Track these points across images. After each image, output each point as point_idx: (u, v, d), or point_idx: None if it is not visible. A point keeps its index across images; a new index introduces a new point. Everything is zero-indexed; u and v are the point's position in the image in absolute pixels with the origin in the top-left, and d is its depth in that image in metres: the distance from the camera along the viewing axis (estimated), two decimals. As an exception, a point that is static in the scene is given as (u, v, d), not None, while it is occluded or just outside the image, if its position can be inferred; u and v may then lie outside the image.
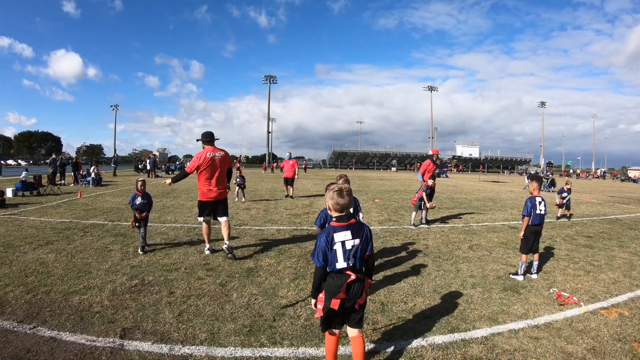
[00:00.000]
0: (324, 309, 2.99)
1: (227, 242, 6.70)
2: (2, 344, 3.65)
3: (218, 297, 4.92)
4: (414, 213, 10.31)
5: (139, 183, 7.17)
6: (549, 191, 25.24)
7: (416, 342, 3.84)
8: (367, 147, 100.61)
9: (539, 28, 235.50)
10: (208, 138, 6.83)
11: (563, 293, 5.21)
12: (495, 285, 5.62)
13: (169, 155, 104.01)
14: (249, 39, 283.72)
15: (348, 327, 3.13)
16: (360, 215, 5.41)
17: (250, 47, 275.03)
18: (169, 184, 7.10)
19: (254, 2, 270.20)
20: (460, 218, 12.07)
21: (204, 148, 6.83)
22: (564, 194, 12.92)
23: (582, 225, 11.32)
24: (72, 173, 23.62)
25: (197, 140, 6.93)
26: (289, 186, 16.83)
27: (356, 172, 63.37)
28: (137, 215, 7.05)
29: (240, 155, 79.07)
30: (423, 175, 10.91)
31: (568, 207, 12.91)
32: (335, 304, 2.94)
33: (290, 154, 17.93)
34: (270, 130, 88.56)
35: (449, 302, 4.92)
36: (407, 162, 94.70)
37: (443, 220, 11.49)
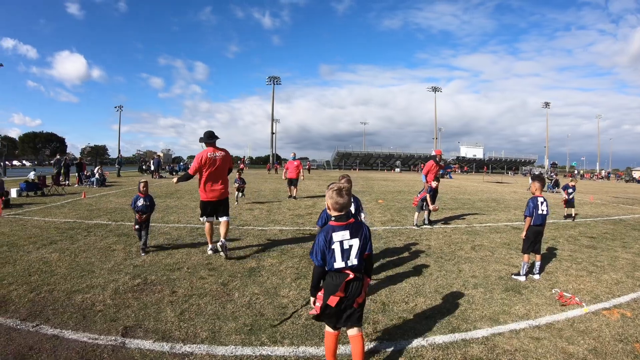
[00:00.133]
0: (322, 307, 3.00)
1: (223, 240, 6.72)
2: (5, 342, 3.68)
3: (220, 297, 4.94)
4: (416, 214, 10.31)
5: (141, 184, 7.17)
6: (553, 192, 25.18)
7: (416, 342, 3.84)
8: (371, 148, 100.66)
9: (543, 28, 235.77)
10: (209, 139, 6.85)
11: (565, 294, 5.20)
12: (497, 285, 5.61)
13: (173, 156, 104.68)
14: (253, 40, 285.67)
15: (347, 326, 3.14)
16: (362, 215, 5.42)
17: (254, 48, 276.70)
18: (175, 182, 7.15)
19: (258, 3, 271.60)
20: (464, 219, 12.06)
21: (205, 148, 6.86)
22: (569, 190, 12.97)
23: (586, 225, 11.28)
24: (77, 174, 23.71)
25: (200, 141, 6.95)
26: (292, 187, 16.81)
27: (360, 172, 63.33)
28: (137, 217, 7.04)
29: (244, 156, 79.20)
30: (426, 176, 10.88)
31: (572, 206, 12.92)
32: (332, 300, 2.95)
33: (295, 154, 17.94)
34: (274, 131, 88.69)
35: (450, 302, 4.91)
36: (411, 162, 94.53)
37: (446, 220, 11.48)
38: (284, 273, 6.00)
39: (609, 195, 25.36)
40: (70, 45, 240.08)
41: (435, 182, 10.54)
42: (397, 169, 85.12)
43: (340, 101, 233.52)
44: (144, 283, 5.37)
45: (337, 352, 3.37)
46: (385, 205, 15.16)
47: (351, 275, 2.97)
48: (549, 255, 7.40)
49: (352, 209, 5.04)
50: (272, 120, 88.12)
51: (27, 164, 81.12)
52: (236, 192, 14.79)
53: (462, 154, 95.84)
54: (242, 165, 51.83)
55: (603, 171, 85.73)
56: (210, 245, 6.94)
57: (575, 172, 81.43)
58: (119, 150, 74.56)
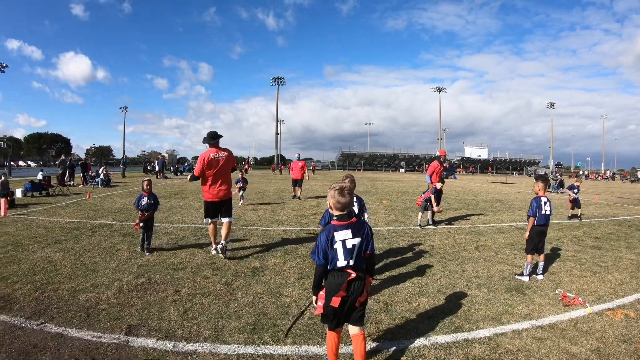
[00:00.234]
0: (325, 306, 3.02)
1: (223, 242, 6.73)
2: (10, 339, 3.71)
3: (223, 296, 4.96)
4: (420, 214, 10.30)
5: (145, 183, 7.22)
6: (558, 192, 25.09)
7: (419, 342, 3.85)
8: (376, 149, 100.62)
9: (548, 28, 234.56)
10: (211, 140, 6.85)
11: (568, 294, 5.18)
12: (500, 285, 5.60)
13: (177, 157, 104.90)
14: (257, 40, 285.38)
15: (349, 325, 3.15)
16: (366, 215, 5.43)
17: (258, 49, 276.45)
18: (189, 180, 7.17)
19: (262, 3, 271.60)
20: (468, 219, 12.04)
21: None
22: (575, 190, 13.06)
23: (590, 226, 11.24)
24: (81, 174, 23.84)
25: (203, 141, 6.93)
26: (297, 187, 16.81)
27: (364, 173, 63.32)
28: (140, 215, 7.05)
29: (249, 157, 79.20)
30: (431, 176, 10.87)
31: (578, 206, 12.91)
32: (335, 302, 2.96)
33: (299, 155, 17.95)
34: (278, 132, 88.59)
35: (453, 302, 4.91)
36: (415, 163, 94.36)
37: (450, 221, 11.46)
38: (288, 273, 6.01)
39: (613, 195, 25.23)
40: (75, 46, 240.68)
41: (439, 183, 10.53)
42: (402, 170, 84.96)
43: (344, 102, 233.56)
44: (148, 282, 5.40)
45: (339, 351, 3.37)
46: (390, 205, 15.15)
47: (353, 275, 2.98)
48: (553, 256, 7.38)
49: (356, 209, 5.04)
50: (277, 121, 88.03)
51: (32, 164, 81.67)
52: (240, 192, 14.69)
53: (467, 155, 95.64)
54: (246, 166, 51.96)
55: (608, 172, 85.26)
56: (213, 245, 6.96)
57: (580, 172, 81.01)
58: (124, 151, 74.55)
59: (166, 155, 60.97)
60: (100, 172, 23.65)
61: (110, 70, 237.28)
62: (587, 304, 4.88)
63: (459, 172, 75.01)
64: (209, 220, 6.96)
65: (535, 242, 6.03)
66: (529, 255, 6.02)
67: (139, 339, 3.78)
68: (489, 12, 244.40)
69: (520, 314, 4.60)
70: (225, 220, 6.91)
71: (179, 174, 42.17)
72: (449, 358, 3.56)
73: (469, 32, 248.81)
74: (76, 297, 4.81)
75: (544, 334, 4.06)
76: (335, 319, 3.09)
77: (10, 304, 4.57)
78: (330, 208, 3.12)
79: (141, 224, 6.99)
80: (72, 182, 22.49)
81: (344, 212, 3.06)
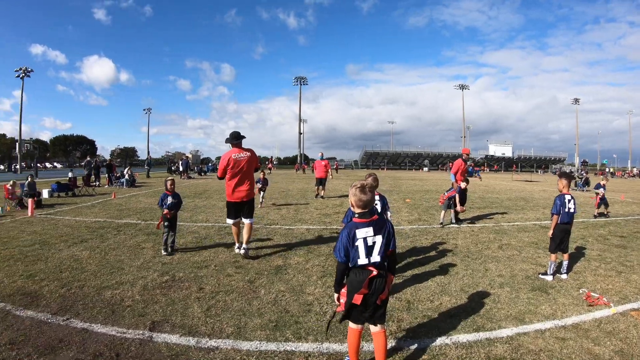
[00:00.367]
0: (346, 304, 3.04)
1: (245, 246, 6.75)
2: (36, 334, 3.85)
3: (246, 293, 5.03)
4: (442, 212, 10.24)
5: (169, 182, 7.27)
6: (583, 190, 24.60)
7: (440, 340, 3.84)
8: (399, 147, 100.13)
9: (572, 22, 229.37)
10: (234, 140, 6.86)
11: (593, 294, 5.09)
12: (523, 285, 5.54)
13: (201, 157, 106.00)
14: (279, 40, 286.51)
15: (370, 323, 3.16)
16: (389, 214, 5.44)
17: (280, 49, 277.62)
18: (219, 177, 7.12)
19: (283, 4, 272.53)
20: (491, 218, 11.90)
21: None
22: (601, 189, 12.89)
23: (616, 225, 10.99)
24: (107, 175, 24.31)
25: (226, 141, 6.94)
26: (320, 186, 16.80)
27: (388, 172, 63.07)
28: (167, 214, 7.05)
29: (272, 157, 79.67)
30: (455, 175, 10.79)
31: (606, 205, 12.71)
32: (357, 299, 2.98)
33: (322, 154, 17.97)
34: (301, 132, 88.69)
35: (476, 302, 4.88)
36: (439, 162, 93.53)
37: (473, 219, 11.36)
38: (310, 271, 6.06)
39: (641, 194, 24.61)
40: (99, 49, 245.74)
41: (464, 183, 10.44)
42: (425, 168, 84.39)
43: (367, 100, 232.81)
44: (172, 280, 5.51)
45: (360, 348, 3.39)
46: (413, 204, 15.09)
47: (374, 272, 3.00)
48: (578, 255, 7.25)
49: (379, 207, 5.06)
50: (300, 120, 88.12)
51: (59, 166, 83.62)
52: (259, 193, 14.52)
53: (491, 153, 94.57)
54: (270, 166, 52.24)
55: (635, 169, 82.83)
56: (237, 244, 7.03)
57: (607, 169, 79.09)
58: (148, 152, 76.01)
59: (190, 155, 61.61)
60: (125, 172, 24.10)
61: (133, 72, 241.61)
62: (611, 304, 4.78)
63: (484, 170, 74.07)
64: (232, 221, 6.99)
65: (559, 241, 5.94)
66: (553, 254, 5.93)
67: (163, 335, 3.87)
68: (510, 7, 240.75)
69: (544, 313, 4.54)
70: (246, 221, 6.88)
71: (202, 174, 42.67)
72: (470, 357, 3.54)
73: (491, 28, 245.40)
74: (101, 294, 4.95)
75: (567, 334, 4.00)
76: (356, 316, 3.10)
77: (37, 300, 4.73)
78: (352, 206, 3.14)
79: (166, 223, 7.00)
80: (97, 183, 22.98)
81: (366, 210, 3.07)
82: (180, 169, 35.68)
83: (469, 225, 10.45)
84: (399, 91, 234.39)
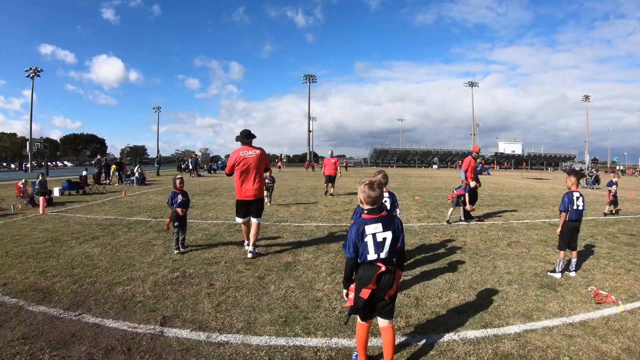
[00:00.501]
0: (355, 298, 3.08)
1: (251, 248, 6.71)
2: (49, 329, 3.93)
3: (256, 289, 5.09)
4: (450, 209, 10.24)
5: (178, 181, 7.21)
6: (593, 188, 24.42)
7: (448, 336, 3.86)
8: (408, 145, 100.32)
9: (581, 18, 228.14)
10: (244, 138, 6.86)
11: (601, 291, 5.08)
12: (532, 282, 5.54)
13: (211, 155, 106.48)
14: (287, 38, 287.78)
15: (379, 318, 3.20)
16: (398, 211, 5.46)
17: (288, 47, 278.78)
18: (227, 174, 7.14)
19: (291, 1, 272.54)
20: (500, 215, 11.87)
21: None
22: (614, 187, 12.83)
23: (626, 223, 10.91)
24: (117, 173, 24.51)
25: (236, 139, 6.94)
26: (329, 184, 16.84)
27: (397, 170, 62.95)
28: (179, 212, 7.00)
29: (281, 155, 79.71)
30: (466, 172, 10.78)
31: (615, 204, 12.66)
32: (365, 293, 3.01)
33: (332, 152, 18.01)
34: (310, 129, 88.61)
35: (484, 298, 4.89)
36: (448, 159, 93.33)
37: (482, 217, 11.34)
38: (320, 267, 6.11)
39: (652, 192, 24.38)
40: (107, 49, 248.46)
41: (474, 181, 10.43)
42: (435, 166, 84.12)
43: (376, 98, 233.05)
44: (183, 276, 5.58)
45: (369, 344, 3.43)
46: (422, 201, 15.10)
47: (383, 268, 3.03)
48: (587, 253, 7.23)
49: (388, 204, 5.08)
50: (309, 118, 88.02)
51: (69, 164, 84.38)
52: (265, 192, 14.27)
53: (501, 150, 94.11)
54: (279, 164, 52.29)
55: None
56: (246, 242, 7.06)
57: (617, 167, 78.25)
58: (158, 150, 76.30)
59: (199, 153, 62.01)
60: (135, 170, 24.30)
61: (142, 71, 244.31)
62: (619, 302, 4.77)
63: (493, 167, 73.71)
64: (241, 220, 6.99)
65: (568, 238, 5.93)
66: (562, 252, 5.92)
67: (174, 330, 3.93)
68: (519, 4, 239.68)
69: (551, 310, 4.55)
70: (254, 221, 6.83)
71: (212, 172, 42.87)
72: (477, 353, 3.56)
73: (500, 25, 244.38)
74: (113, 289, 5.03)
75: (575, 332, 4.01)
76: (365, 311, 3.14)
77: (50, 296, 4.82)
78: (361, 202, 3.18)
79: (176, 223, 6.94)
80: (108, 181, 23.20)
81: (375, 206, 3.11)
82: (190, 167, 35.93)
83: (478, 222, 10.44)
84: (408, 88, 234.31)
